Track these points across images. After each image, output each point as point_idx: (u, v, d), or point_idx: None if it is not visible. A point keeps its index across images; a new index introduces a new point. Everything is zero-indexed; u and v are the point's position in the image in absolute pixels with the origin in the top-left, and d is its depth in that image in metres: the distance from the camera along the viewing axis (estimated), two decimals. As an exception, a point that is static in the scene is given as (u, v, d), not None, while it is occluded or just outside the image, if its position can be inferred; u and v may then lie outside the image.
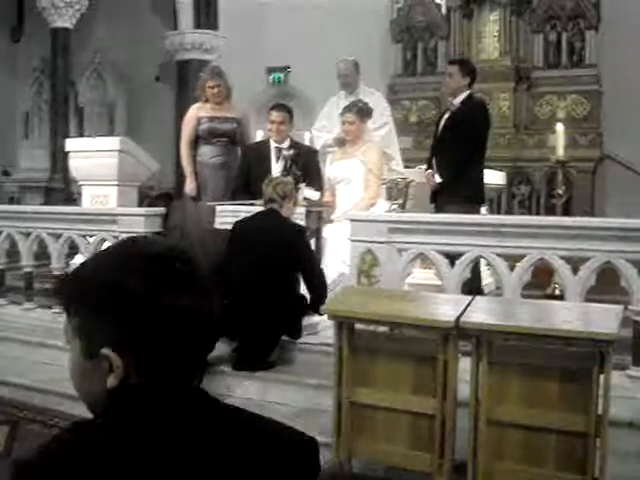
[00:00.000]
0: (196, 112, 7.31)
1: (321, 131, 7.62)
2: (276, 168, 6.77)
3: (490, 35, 12.58)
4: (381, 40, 13.39)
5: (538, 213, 11.63)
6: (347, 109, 6.78)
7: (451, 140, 6.44)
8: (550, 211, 10.23)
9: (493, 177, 8.03)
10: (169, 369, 1.25)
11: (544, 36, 12.21)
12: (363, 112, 6.74)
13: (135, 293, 1.22)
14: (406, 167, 7.42)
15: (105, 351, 1.22)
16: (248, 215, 5.83)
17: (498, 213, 11.06)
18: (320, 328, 5.64)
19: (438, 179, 6.45)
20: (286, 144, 6.85)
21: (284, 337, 5.48)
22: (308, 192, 6.43)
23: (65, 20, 13.20)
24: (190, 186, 7.18)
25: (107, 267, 1.27)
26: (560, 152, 7.63)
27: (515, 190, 12.00)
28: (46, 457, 1.23)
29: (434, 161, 6.61)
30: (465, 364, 3.94)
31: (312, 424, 4.49)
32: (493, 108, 11.94)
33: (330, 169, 6.86)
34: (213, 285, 1.32)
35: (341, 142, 7.07)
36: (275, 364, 5.40)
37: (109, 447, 1.20)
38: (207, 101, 7.28)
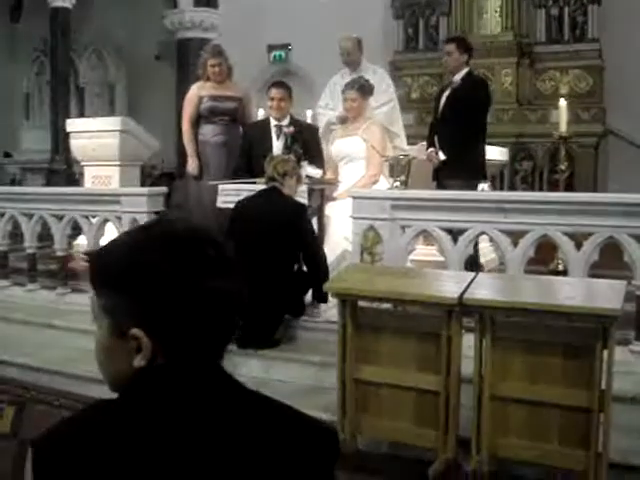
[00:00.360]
0: (197, 91, 7.29)
1: (325, 109, 7.58)
2: (277, 146, 6.75)
3: (492, 10, 12.52)
4: (382, 16, 13.32)
5: (541, 189, 11.63)
6: (348, 86, 6.75)
7: (452, 117, 6.42)
8: (553, 187, 10.25)
9: (495, 153, 8.02)
10: (195, 352, 1.26)
11: (546, 11, 12.16)
12: (365, 89, 6.70)
13: (167, 274, 1.22)
14: (409, 144, 7.40)
15: (135, 331, 1.23)
16: (250, 194, 5.82)
17: (501, 189, 11.06)
18: (323, 307, 5.63)
19: (442, 156, 6.43)
20: (286, 121, 6.83)
21: (287, 315, 5.50)
22: (310, 170, 6.41)
23: (64, 0, 13.12)
24: (192, 165, 7.18)
25: (138, 247, 1.27)
26: (563, 128, 7.60)
27: (518, 166, 12.00)
28: (67, 434, 1.24)
29: (436, 139, 6.59)
30: (469, 340, 3.95)
31: (316, 402, 4.52)
32: (495, 84, 11.92)
33: (332, 147, 6.84)
34: (240, 268, 1.32)
35: (344, 120, 7.04)
36: (280, 342, 5.42)
37: (132, 426, 1.21)
38: (208, 80, 7.26)
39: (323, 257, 5.55)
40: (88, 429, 1.22)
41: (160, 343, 1.23)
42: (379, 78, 7.39)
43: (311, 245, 5.53)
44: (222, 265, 1.27)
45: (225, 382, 1.30)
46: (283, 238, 5.36)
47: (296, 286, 5.45)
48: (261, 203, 5.58)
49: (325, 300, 5.49)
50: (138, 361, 1.24)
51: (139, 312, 1.23)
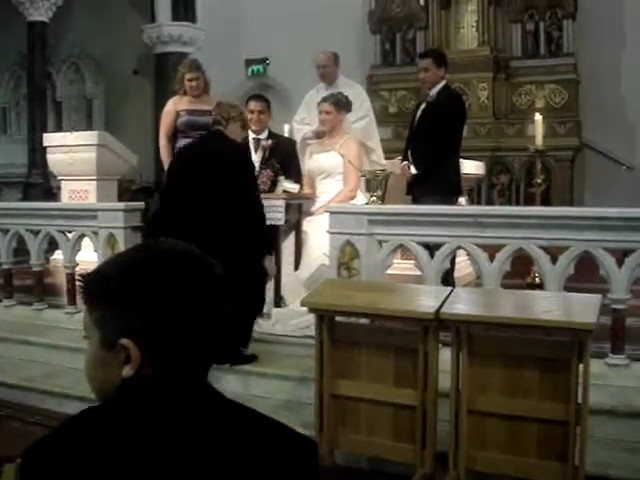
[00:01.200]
0: (174, 105, 7.29)
1: (301, 123, 7.58)
2: (254, 159, 6.75)
3: (468, 25, 12.63)
4: (359, 31, 13.39)
5: (518, 202, 11.71)
6: (324, 99, 6.75)
7: (426, 132, 6.42)
8: (529, 200, 10.31)
9: (472, 167, 8.05)
10: (182, 365, 1.31)
11: (522, 26, 12.29)
12: (340, 103, 6.68)
13: (158, 289, 1.28)
14: (387, 158, 7.41)
15: (124, 341, 1.28)
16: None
17: (478, 203, 11.13)
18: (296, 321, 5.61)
19: (413, 171, 6.44)
20: (264, 135, 6.83)
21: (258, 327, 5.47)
22: (287, 184, 6.41)
23: (41, 13, 13.13)
24: None
25: (131, 264, 1.34)
26: (539, 141, 7.65)
27: (495, 179, 12.07)
28: (53, 443, 1.27)
29: (409, 153, 6.60)
30: (447, 355, 3.96)
31: (295, 417, 4.51)
32: (472, 98, 12.02)
33: (309, 162, 6.83)
34: (227, 289, 1.37)
35: (319, 134, 7.04)
36: (256, 357, 5.37)
37: (115, 434, 1.24)
38: (185, 94, 7.26)
39: (260, 208, 5.28)
40: (74, 438, 1.26)
41: (148, 354, 1.28)
42: (355, 93, 7.40)
43: (247, 189, 5.24)
44: (211, 284, 1.33)
45: (209, 394, 1.35)
46: (224, 182, 5.12)
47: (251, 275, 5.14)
48: (202, 145, 5.49)
49: (269, 250, 5.36)
50: (127, 371, 1.29)
51: (129, 323, 1.28)
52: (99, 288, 1.33)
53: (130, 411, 1.28)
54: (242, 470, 1.27)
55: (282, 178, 6.38)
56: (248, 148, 5.58)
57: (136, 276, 1.31)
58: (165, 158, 7.23)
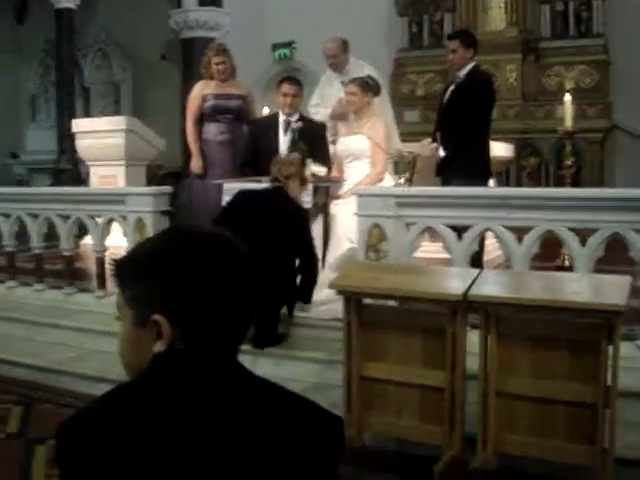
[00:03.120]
0: (201, 89, 7.29)
1: (316, 108, 7.54)
2: (284, 140, 6.75)
3: (496, 6, 12.50)
4: (386, 14, 13.31)
5: (547, 185, 11.62)
6: (351, 80, 6.71)
7: (455, 113, 6.39)
8: (559, 183, 10.20)
9: (501, 149, 7.99)
10: (212, 341, 1.34)
11: (551, 6, 12.15)
12: (366, 85, 6.62)
13: (186, 265, 1.32)
14: (414, 141, 7.36)
15: (157, 317, 1.31)
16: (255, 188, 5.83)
17: (507, 185, 11.05)
18: (326, 303, 5.62)
19: (442, 152, 6.42)
20: (295, 117, 6.83)
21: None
22: (315, 167, 6.41)
23: (69, 0, 13.15)
24: (196, 164, 7.19)
25: (163, 243, 1.40)
26: (568, 123, 7.58)
27: (524, 162, 11.98)
28: (87, 417, 1.31)
29: (438, 134, 6.57)
30: (476, 337, 3.95)
31: (323, 399, 4.49)
32: (500, 80, 11.92)
33: (337, 144, 6.81)
34: (255, 269, 1.41)
35: (336, 117, 7.04)
36: (285, 337, 5.42)
37: (147, 408, 1.27)
38: (212, 78, 7.26)
39: (316, 262, 5.59)
40: (108, 413, 1.29)
41: (180, 330, 1.31)
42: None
43: (308, 249, 5.54)
44: (238, 262, 1.37)
45: (238, 370, 1.37)
46: (283, 235, 5.35)
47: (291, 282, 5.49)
48: (265, 197, 5.59)
49: (309, 300, 5.57)
50: (158, 347, 1.32)
51: (161, 299, 1.32)
52: (131, 267, 1.38)
53: (162, 385, 1.30)
54: (270, 444, 1.29)
55: (310, 161, 6.37)
56: (306, 211, 5.79)
57: (166, 253, 1.35)
58: (192, 142, 7.26)
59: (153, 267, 1.34)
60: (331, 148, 6.92)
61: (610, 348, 3.56)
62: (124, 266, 1.39)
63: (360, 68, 7.27)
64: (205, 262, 1.33)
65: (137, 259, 1.38)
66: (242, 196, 5.69)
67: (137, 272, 1.36)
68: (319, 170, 6.41)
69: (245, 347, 5.14)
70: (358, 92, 6.60)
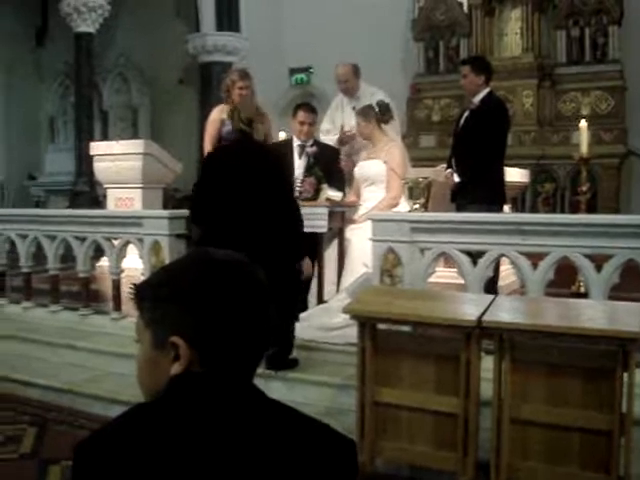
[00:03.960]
0: (220, 113, 7.32)
1: (326, 134, 7.57)
2: (299, 165, 6.79)
3: (512, 32, 12.56)
4: (403, 39, 13.40)
5: (563, 211, 11.59)
6: (356, 112, 6.79)
7: (470, 139, 6.41)
8: (575, 209, 10.18)
9: (516, 175, 7.99)
10: (229, 365, 1.36)
11: (567, 32, 12.19)
12: (365, 113, 6.70)
13: (205, 289, 1.34)
14: (429, 166, 7.39)
15: (175, 339, 1.34)
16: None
17: (522, 211, 11.04)
18: (340, 328, 5.62)
19: (457, 179, 6.43)
20: (310, 142, 6.88)
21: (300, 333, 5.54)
22: (331, 192, 6.44)
23: (88, 25, 13.33)
24: None
25: (184, 268, 1.42)
26: (584, 149, 7.58)
27: (539, 188, 11.97)
28: (104, 437, 1.33)
29: (453, 160, 6.59)
30: (490, 363, 3.94)
31: (336, 424, 4.48)
32: (516, 105, 11.95)
33: (356, 169, 6.84)
34: (271, 295, 1.43)
35: (342, 142, 7.09)
36: (297, 362, 5.41)
37: (163, 429, 1.29)
38: (231, 103, 7.29)
39: (299, 212, 5.36)
40: (126, 432, 1.31)
41: (197, 353, 1.34)
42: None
43: (288, 195, 5.38)
44: (256, 287, 1.40)
45: (254, 393, 1.39)
46: (265, 188, 5.16)
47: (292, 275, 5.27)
48: (235, 152, 5.42)
49: (300, 259, 5.45)
50: (175, 369, 1.34)
51: (179, 322, 1.34)
52: (152, 291, 1.40)
53: (178, 407, 1.32)
54: (283, 467, 1.30)
55: (325, 186, 6.40)
56: (285, 152, 5.63)
57: (186, 276, 1.38)
58: None
59: (174, 291, 1.36)
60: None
61: (625, 375, 3.54)
62: (145, 289, 1.42)
63: (371, 94, 7.33)
64: (224, 287, 1.35)
65: (158, 283, 1.41)
66: (216, 155, 5.61)
67: (158, 295, 1.38)
68: (334, 195, 6.45)
69: (259, 370, 5.15)
70: (360, 122, 6.71)
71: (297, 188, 6.32)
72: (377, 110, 6.73)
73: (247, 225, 5.05)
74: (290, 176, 5.56)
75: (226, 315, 1.34)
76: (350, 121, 7.14)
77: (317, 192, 6.35)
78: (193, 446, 1.26)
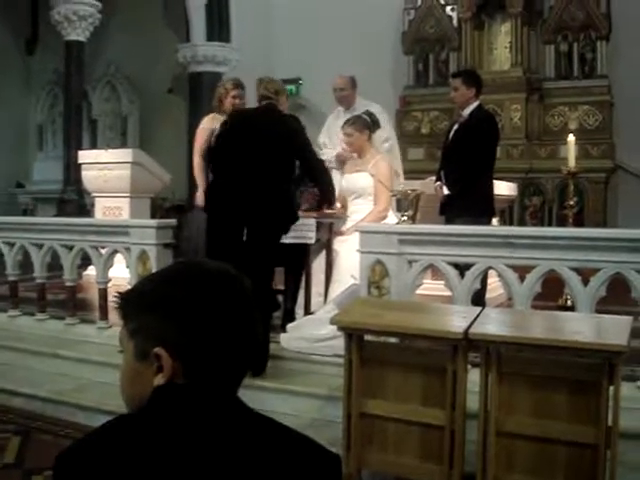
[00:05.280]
0: (211, 123, 7.29)
1: (322, 149, 7.56)
2: None
3: (501, 46, 12.63)
4: (392, 52, 13.44)
5: (550, 224, 11.64)
6: (346, 122, 6.72)
7: (459, 152, 6.43)
8: (562, 222, 10.23)
9: (504, 188, 8.02)
10: (213, 377, 1.34)
11: (555, 47, 12.27)
12: (360, 123, 6.62)
13: (189, 299, 1.33)
14: (418, 179, 7.39)
15: (158, 350, 1.32)
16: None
17: (510, 224, 11.07)
18: (328, 339, 5.62)
19: (446, 191, 6.45)
20: None
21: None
22: None
23: (78, 33, 13.29)
24: (201, 197, 7.15)
25: (168, 278, 1.41)
26: (571, 163, 7.61)
27: (527, 201, 12.01)
28: (84, 448, 1.32)
29: (442, 173, 6.61)
30: (477, 376, 3.94)
31: (322, 435, 4.49)
32: (505, 119, 12.00)
33: (343, 181, 6.80)
34: (258, 309, 1.43)
35: (341, 158, 7.06)
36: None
37: (144, 441, 1.28)
38: (222, 112, 7.27)
39: (324, 167, 5.95)
40: (106, 444, 1.30)
41: (181, 364, 1.32)
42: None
43: (310, 156, 5.76)
44: (241, 298, 1.38)
45: (237, 406, 1.38)
46: (281, 150, 5.53)
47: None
48: (259, 115, 5.74)
49: (332, 202, 6.06)
50: (158, 380, 1.33)
51: (162, 333, 1.32)
52: (135, 300, 1.39)
53: (160, 419, 1.31)
54: None
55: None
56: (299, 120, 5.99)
57: (171, 287, 1.36)
58: (199, 176, 7.25)
59: (157, 300, 1.35)
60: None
61: (611, 388, 3.55)
62: (129, 299, 1.41)
63: (366, 107, 7.33)
64: (209, 298, 1.34)
65: (142, 292, 1.40)
66: (237, 118, 5.88)
67: (141, 305, 1.37)
68: (334, 205, 6.45)
69: (249, 381, 5.15)
70: (353, 132, 6.61)
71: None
72: (368, 120, 6.69)
73: (253, 184, 5.40)
74: (308, 140, 5.82)
75: (211, 326, 1.32)
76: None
77: (319, 203, 6.34)
78: (174, 458, 1.25)
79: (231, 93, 7.23)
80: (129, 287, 1.47)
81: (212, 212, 5.67)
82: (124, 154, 9.28)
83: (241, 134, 5.59)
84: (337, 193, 6.76)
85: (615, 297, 4.84)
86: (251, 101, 7.55)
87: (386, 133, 7.36)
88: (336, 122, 7.42)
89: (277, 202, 5.47)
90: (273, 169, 5.47)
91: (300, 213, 6.01)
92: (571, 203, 7.85)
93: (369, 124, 6.66)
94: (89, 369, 6.08)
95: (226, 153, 5.64)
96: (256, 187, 5.39)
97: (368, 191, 6.50)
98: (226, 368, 1.36)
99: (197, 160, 7.33)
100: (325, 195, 6.01)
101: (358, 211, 6.51)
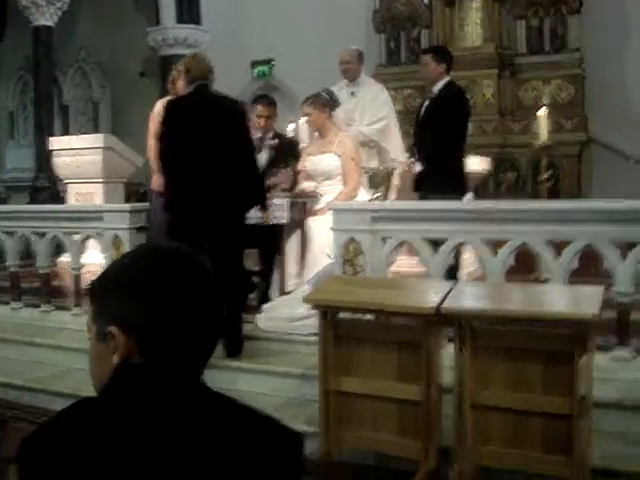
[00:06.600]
0: (163, 106, 7.13)
1: None
2: (261, 158, 6.74)
3: (473, 23, 12.59)
4: (364, 30, 13.36)
5: (525, 198, 11.66)
6: (304, 101, 6.58)
7: (430, 128, 6.41)
8: (536, 196, 10.26)
9: (478, 163, 8.03)
10: (170, 356, 1.34)
11: (526, 22, 12.23)
12: (319, 101, 6.46)
13: (141, 277, 1.34)
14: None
15: (112, 328, 1.33)
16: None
17: (485, 199, 11.07)
18: (303, 319, 5.62)
19: (418, 167, 6.44)
20: (270, 135, 6.83)
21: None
22: (306, 183, 6.46)
23: (47, 18, 13.12)
24: (157, 182, 6.76)
25: (125, 258, 1.44)
26: (544, 137, 7.64)
27: (502, 177, 12.03)
28: (45, 432, 1.33)
29: (415, 149, 6.60)
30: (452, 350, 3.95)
31: (299, 414, 4.52)
32: (477, 95, 11.99)
33: (307, 163, 6.60)
34: (221, 291, 1.42)
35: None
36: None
37: (99, 423, 1.29)
38: (175, 95, 7.10)
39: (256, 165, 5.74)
40: (67, 427, 1.31)
41: (136, 343, 1.33)
42: (374, 94, 7.46)
43: (248, 146, 5.61)
44: (201, 278, 1.38)
45: (197, 385, 1.37)
46: (229, 131, 5.43)
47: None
48: (193, 102, 5.57)
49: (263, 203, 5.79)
50: (114, 359, 1.34)
51: (118, 311, 1.34)
52: (98, 284, 1.41)
53: (115, 399, 1.31)
54: (225, 461, 1.28)
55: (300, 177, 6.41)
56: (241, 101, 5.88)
57: (130, 267, 1.38)
58: (153, 159, 7.03)
59: (116, 281, 1.37)
60: None
61: (584, 358, 3.57)
62: (94, 283, 1.43)
63: (371, 85, 7.44)
64: (165, 277, 1.34)
65: (105, 276, 1.41)
66: (173, 111, 5.65)
67: (103, 288, 1.39)
68: (309, 185, 6.42)
69: (225, 362, 5.16)
70: (312, 111, 6.48)
71: (273, 180, 6.30)
72: (328, 98, 6.56)
73: (209, 173, 5.29)
74: (247, 121, 5.71)
75: (166, 305, 1.32)
76: (346, 105, 7.08)
77: (294, 183, 6.30)
78: (128, 440, 1.25)
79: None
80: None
81: (176, 211, 5.53)
82: (95, 139, 9.20)
83: (184, 126, 5.44)
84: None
85: (589, 270, 4.87)
86: (220, 83, 7.50)
87: (382, 113, 7.38)
88: (339, 93, 7.36)
89: (239, 184, 5.37)
90: (228, 153, 5.36)
91: (273, 192, 5.99)
92: (545, 177, 7.88)
93: (329, 102, 6.51)
94: (65, 356, 6.05)
95: (175, 152, 5.48)
96: (215, 175, 5.30)
97: (336, 172, 6.36)
98: (184, 347, 1.35)
99: (151, 143, 6.98)
100: (254, 196, 5.69)
101: (328, 192, 6.33)
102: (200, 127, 5.36)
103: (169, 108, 5.67)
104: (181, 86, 5.81)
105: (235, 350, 5.30)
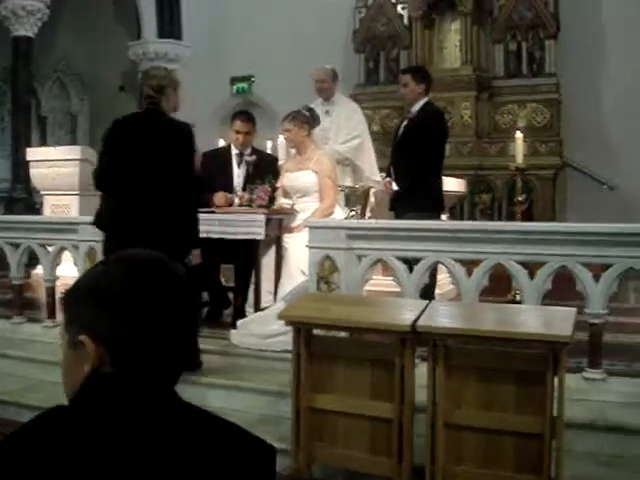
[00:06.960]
0: None
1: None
2: (238, 174, 6.77)
3: (451, 45, 12.71)
4: (344, 50, 13.46)
5: (500, 220, 11.74)
6: (285, 118, 6.62)
7: (408, 148, 6.45)
8: (511, 218, 10.34)
9: (453, 185, 8.08)
10: (141, 366, 1.32)
11: (505, 46, 12.38)
12: (298, 119, 6.51)
13: (112, 285, 1.32)
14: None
15: (82, 337, 1.32)
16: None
17: (460, 220, 11.14)
18: (277, 335, 5.61)
19: (395, 187, 6.47)
20: (248, 151, 6.85)
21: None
22: (284, 200, 6.47)
23: (27, 29, 13.08)
24: None
25: (96, 268, 1.41)
26: (519, 160, 7.71)
27: (477, 198, 12.12)
28: (13, 441, 1.30)
29: (392, 169, 6.63)
30: (425, 369, 3.96)
31: (273, 431, 4.49)
32: (455, 117, 12.10)
33: (285, 180, 6.67)
34: (196, 300, 1.43)
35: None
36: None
37: (69, 432, 1.27)
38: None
39: (197, 191, 5.31)
40: (35, 436, 1.29)
41: (107, 350, 1.31)
42: (349, 112, 7.49)
43: (188, 171, 5.15)
44: (173, 287, 1.37)
45: (168, 396, 1.36)
46: (169, 163, 5.03)
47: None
48: (141, 125, 5.20)
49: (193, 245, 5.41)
50: (85, 368, 1.32)
51: (90, 320, 1.32)
52: (70, 293, 1.39)
53: (85, 409, 1.30)
54: (196, 471, 1.27)
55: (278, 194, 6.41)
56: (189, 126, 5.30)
57: (100, 276, 1.36)
58: None
59: (86, 290, 1.36)
60: None
61: (556, 379, 3.60)
62: (68, 292, 1.42)
63: (345, 103, 7.44)
64: (137, 285, 1.33)
65: (77, 285, 1.40)
66: (116, 129, 5.27)
67: (75, 297, 1.38)
68: (287, 202, 6.43)
69: (197, 378, 5.13)
70: (292, 128, 6.52)
71: (249, 196, 6.27)
72: (308, 115, 6.62)
73: (145, 201, 4.99)
74: (193, 152, 5.28)
75: (137, 313, 1.31)
76: (323, 123, 7.08)
77: (271, 200, 6.29)
78: (96, 449, 1.24)
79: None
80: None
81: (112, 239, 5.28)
82: (72, 151, 9.19)
83: (123, 149, 5.11)
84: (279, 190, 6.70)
85: (562, 292, 4.91)
86: (200, 98, 7.52)
87: (357, 131, 7.41)
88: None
89: (172, 226, 5.00)
90: (164, 187, 5.00)
91: (250, 209, 6.00)
92: (520, 199, 7.95)
93: (309, 119, 6.58)
94: (37, 368, 5.98)
95: (113, 175, 5.14)
96: (148, 211, 4.96)
97: (313, 189, 6.43)
98: (155, 357, 1.34)
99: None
100: (186, 228, 5.17)
101: (305, 209, 6.41)
102: (137, 155, 5.04)
103: (111, 128, 5.35)
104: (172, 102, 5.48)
105: (193, 364, 5.18)
